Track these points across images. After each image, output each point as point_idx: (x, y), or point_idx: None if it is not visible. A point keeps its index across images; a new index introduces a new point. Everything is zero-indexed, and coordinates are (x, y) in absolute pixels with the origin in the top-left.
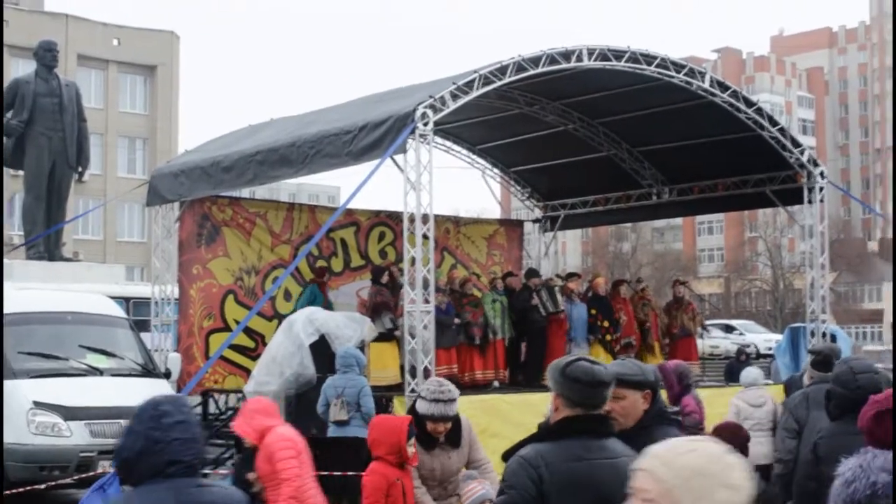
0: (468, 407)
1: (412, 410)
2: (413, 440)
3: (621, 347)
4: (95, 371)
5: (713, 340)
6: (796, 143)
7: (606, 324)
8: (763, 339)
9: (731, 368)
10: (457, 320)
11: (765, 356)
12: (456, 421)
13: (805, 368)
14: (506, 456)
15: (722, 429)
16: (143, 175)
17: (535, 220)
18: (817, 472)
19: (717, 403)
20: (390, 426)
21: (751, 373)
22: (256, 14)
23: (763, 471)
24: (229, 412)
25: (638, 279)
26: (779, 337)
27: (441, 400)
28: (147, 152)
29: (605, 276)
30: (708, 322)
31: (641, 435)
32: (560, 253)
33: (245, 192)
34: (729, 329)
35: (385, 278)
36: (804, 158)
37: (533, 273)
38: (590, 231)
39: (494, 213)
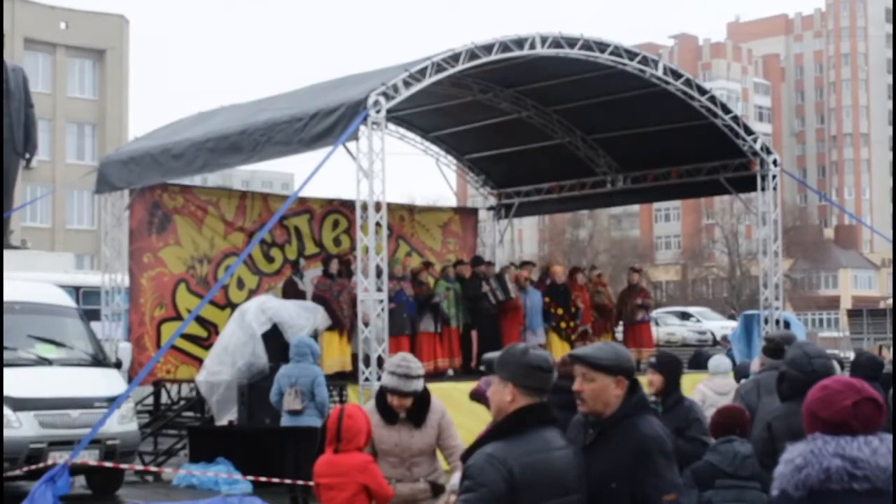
0: None
1: (379, 389)
2: None
3: (578, 335)
4: (45, 361)
5: (669, 328)
6: (749, 131)
7: (561, 311)
8: (720, 326)
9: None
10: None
11: (719, 343)
12: (421, 400)
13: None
14: (464, 455)
15: (726, 411)
16: (92, 161)
17: (490, 208)
18: (772, 449)
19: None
20: (356, 413)
21: (721, 361)
22: None
23: None
24: (182, 402)
25: (592, 266)
26: (734, 324)
27: (398, 374)
28: (96, 138)
29: (562, 264)
30: (665, 310)
31: (623, 423)
32: (516, 240)
33: (197, 180)
34: (685, 316)
35: (334, 266)
36: (757, 146)
37: (480, 261)
38: (546, 218)
39: (449, 200)
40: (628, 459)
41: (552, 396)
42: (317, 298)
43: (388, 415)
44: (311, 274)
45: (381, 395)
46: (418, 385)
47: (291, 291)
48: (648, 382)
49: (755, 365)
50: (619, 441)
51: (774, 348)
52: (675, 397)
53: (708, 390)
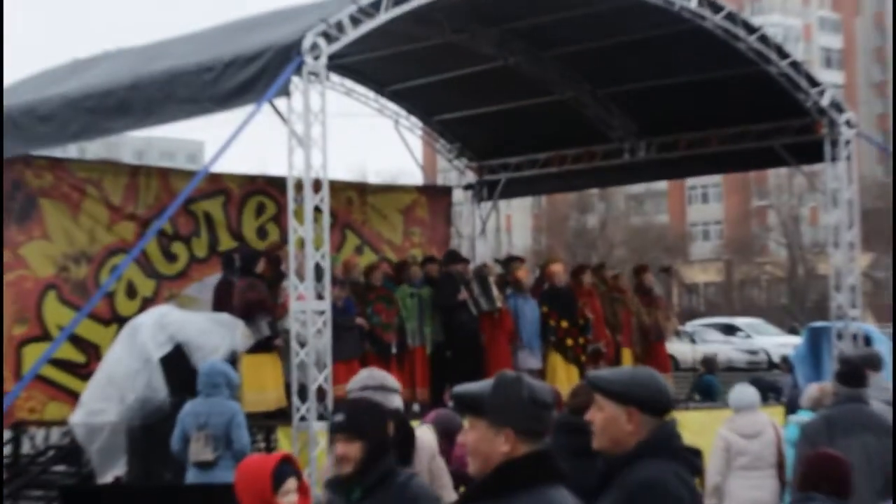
0: None
1: None
2: (292, 485)
3: (588, 356)
4: None
5: (709, 346)
6: (814, 82)
7: (565, 324)
8: (777, 343)
9: (701, 385)
10: (360, 322)
11: (778, 366)
12: (405, 432)
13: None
14: None
15: (816, 458)
16: None
17: (468, 187)
18: None
19: (711, 432)
20: (253, 470)
21: (744, 393)
22: None
23: None
24: (51, 452)
25: (601, 264)
26: (797, 340)
27: (370, 387)
28: None
29: (562, 261)
30: (703, 322)
31: (629, 467)
32: (503, 230)
33: (73, 151)
34: (731, 330)
35: (261, 266)
36: (824, 101)
37: (456, 257)
38: (543, 200)
39: (413, 177)
40: None
41: (560, 438)
42: (252, 306)
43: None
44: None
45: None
46: (398, 401)
47: (225, 297)
48: (339, 455)
49: (812, 392)
50: (617, 488)
51: (851, 373)
52: (379, 472)
53: (731, 434)
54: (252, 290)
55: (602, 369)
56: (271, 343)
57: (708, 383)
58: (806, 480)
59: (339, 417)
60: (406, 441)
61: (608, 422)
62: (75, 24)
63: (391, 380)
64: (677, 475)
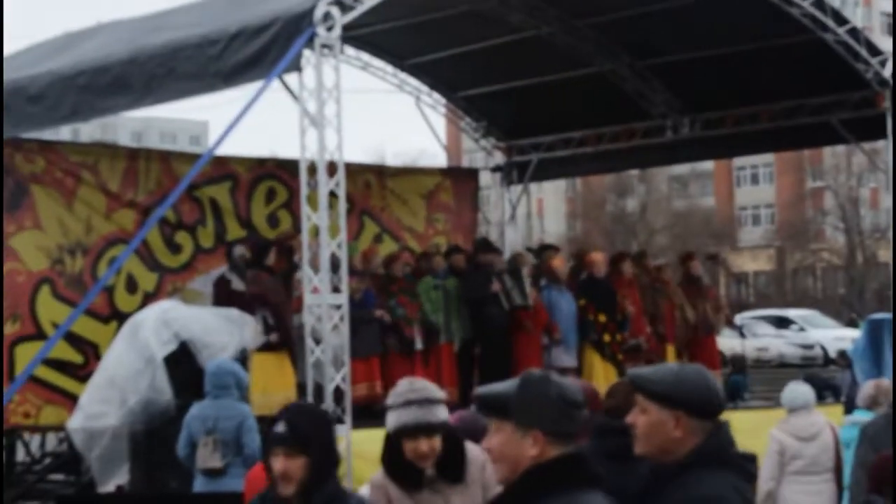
0: None
1: (386, 440)
2: None
3: (626, 352)
4: None
5: (760, 340)
6: (875, 50)
7: (603, 318)
8: (834, 336)
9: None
10: (381, 314)
11: (835, 362)
12: (453, 444)
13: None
14: None
15: (883, 462)
16: None
17: (496, 169)
18: None
19: (763, 433)
20: (262, 478)
21: (798, 391)
22: None
23: None
24: (47, 460)
25: (643, 252)
26: (856, 333)
27: (414, 402)
28: None
29: (602, 251)
30: (754, 314)
31: (683, 477)
32: (535, 215)
33: (66, 133)
34: (783, 322)
35: (272, 258)
36: (886, 72)
37: (486, 246)
38: (577, 183)
39: (436, 158)
40: None
41: (596, 441)
42: (258, 302)
43: (408, 476)
44: (220, 271)
45: (391, 447)
46: (444, 413)
47: (224, 294)
48: (279, 472)
49: (868, 390)
50: (667, 500)
51: None
52: (326, 494)
53: (786, 436)
54: (253, 284)
55: (642, 367)
56: (269, 341)
57: (735, 383)
58: (873, 480)
59: (280, 428)
60: (456, 457)
61: (653, 427)
62: None
63: (435, 390)
64: (736, 489)
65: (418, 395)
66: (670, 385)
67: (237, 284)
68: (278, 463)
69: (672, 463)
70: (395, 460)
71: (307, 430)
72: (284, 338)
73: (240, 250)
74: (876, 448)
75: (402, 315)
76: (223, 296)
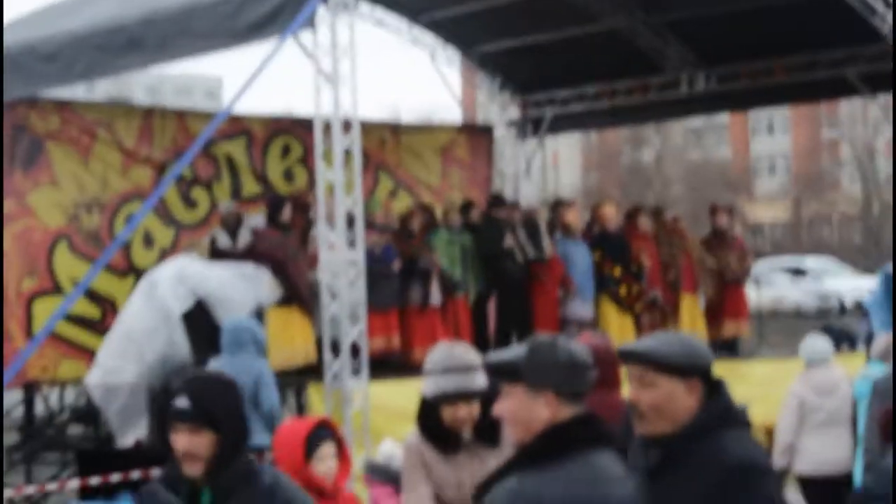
0: (411, 398)
1: (422, 404)
2: (328, 451)
3: (644, 305)
4: None
5: (776, 289)
6: (890, 3)
7: (618, 271)
8: (850, 286)
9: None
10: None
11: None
12: (490, 407)
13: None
14: (479, 491)
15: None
16: None
17: (512, 123)
18: None
19: (780, 384)
20: (286, 436)
21: (817, 344)
22: None
23: (838, 486)
24: (66, 413)
25: (657, 209)
26: (873, 283)
27: (454, 369)
28: None
29: (615, 203)
30: (769, 264)
31: (703, 442)
32: (550, 166)
33: (80, 91)
34: (799, 272)
35: (287, 214)
36: None
37: (500, 201)
38: (593, 135)
39: (451, 114)
40: (715, 494)
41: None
42: (264, 258)
43: (446, 440)
44: (253, 223)
45: (428, 412)
46: (482, 380)
47: (211, 252)
48: (183, 450)
49: (880, 343)
50: (697, 467)
51: None
52: (236, 473)
53: (806, 390)
54: (262, 241)
55: (648, 330)
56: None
57: None
58: (885, 434)
59: (182, 403)
60: (493, 420)
61: (665, 400)
62: None
63: (474, 356)
64: (756, 446)
65: (457, 361)
66: (685, 354)
67: (223, 242)
68: (182, 440)
69: (681, 431)
70: (432, 424)
71: (213, 403)
72: (292, 293)
73: (226, 206)
74: (885, 402)
75: (425, 265)
76: (210, 253)
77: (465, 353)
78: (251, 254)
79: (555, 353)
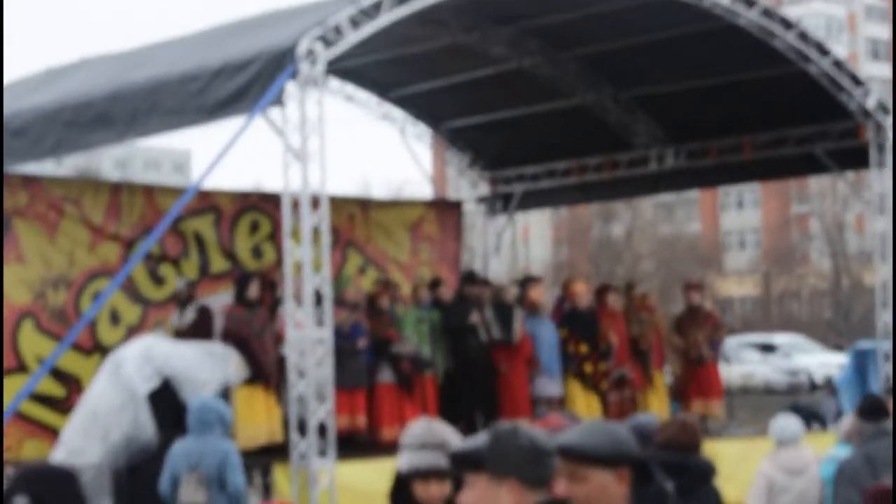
0: (378, 479)
1: (396, 479)
2: None
3: (612, 383)
4: None
5: (745, 366)
6: (857, 81)
7: (585, 349)
8: (819, 362)
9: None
10: (362, 344)
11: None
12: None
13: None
14: None
15: (881, 495)
16: None
17: (481, 199)
18: None
19: (750, 462)
20: None
21: (788, 425)
22: None
23: None
24: None
25: (630, 284)
26: (842, 359)
27: (430, 445)
28: None
29: (585, 282)
30: (739, 340)
31: None
32: (520, 243)
33: (49, 167)
34: (769, 348)
35: (254, 291)
36: (870, 103)
37: (472, 278)
38: (563, 211)
39: (422, 186)
40: None
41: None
42: (229, 338)
43: None
44: (221, 300)
45: (402, 488)
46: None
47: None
48: None
49: (846, 425)
50: None
51: (872, 407)
52: None
53: (775, 470)
54: (230, 321)
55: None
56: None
57: None
58: None
59: (22, 501)
60: None
61: (598, 492)
62: (49, 30)
63: (451, 435)
64: None
65: (434, 438)
66: (610, 444)
67: (173, 319)
68: None
69: None
70: (404, 500)
71: (53, 499)
72: (256, 371)
73: (181, 284)
74: (857, 485)
75: (396, 349)
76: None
77: (443, 430)
78: (226, 332)
79: (516, 440)
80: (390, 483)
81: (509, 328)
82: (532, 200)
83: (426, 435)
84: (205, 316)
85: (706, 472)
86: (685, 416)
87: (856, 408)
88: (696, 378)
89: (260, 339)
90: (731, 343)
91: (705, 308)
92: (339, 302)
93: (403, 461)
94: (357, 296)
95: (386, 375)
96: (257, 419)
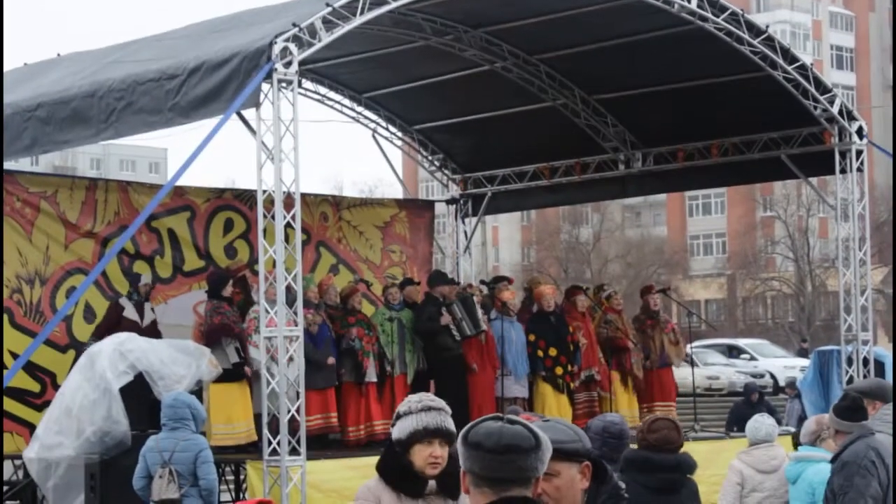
0: (348, 476)
1: (389, 449)
2: None
3: (580, 384)
4: None
5: (711, 369)
6: (824, 88)
7: (554, 352)
8: (783, 365)
9: (739, 413)
10: (331, 362)
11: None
12: (454, 462)
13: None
14: None
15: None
16: None
17: (451, 201)
18: None
19: (717, 463)
20: None
21: (760, 423)
22: None
23: None
24: (3, 489)
25: (600, 287)
26: (805, 362)
27: (434, 408)
28: None
29: (552, 285)
30: (705, 343)
31: None
32: (490, 244)
33: (24, 164)
34: (734, 351)
35: (228, 289)
36: (835, 109)
37: (441, 278)
38: (532, 212)
39: (394, 186)
40: None
41: (639, 476)
42: (222, 330)
43: (411, 484)
44: (194, 298)
45: (396, 456)
46: (453, 426)
47: (115, 319)
48: None
49: (810, 426)
50: None
51: (849, 406)
52: None
53: (746, 467)
54: (217, 314)
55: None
56: (241, 371)
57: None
58: None
59: None
60: (458, 470)
61: (567, 486)
62: (25, 26)
63: (443, 402)
64: None
65: (436, 403)
66: (575, 439)
67: (130, 312)
68: None
69: None
70: (398, 468)
71: None
72: (245, 364)
73: (143, 279)
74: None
75: (359, 347)
76: (113, 319)
77: (441, 400)
78: (219, 328)
79: (466, 434)
80: (382, 454)
81: (477, 321)
82: (501, 202)
83: (428, 400)
84: (216, 311)
85: (693, 467)
86: (671, 417)
87: (835, 406)
88: (654, 381)
89: (244, 336)
90: (696, 346)
91: (663, 314)
92: (307, 302)
93: (405, 425)
94: (319, 296)
95: (349, 374)
96: (232, 417)
